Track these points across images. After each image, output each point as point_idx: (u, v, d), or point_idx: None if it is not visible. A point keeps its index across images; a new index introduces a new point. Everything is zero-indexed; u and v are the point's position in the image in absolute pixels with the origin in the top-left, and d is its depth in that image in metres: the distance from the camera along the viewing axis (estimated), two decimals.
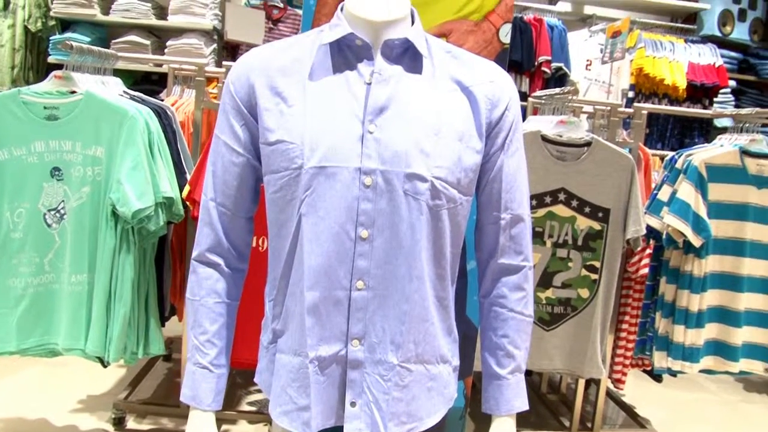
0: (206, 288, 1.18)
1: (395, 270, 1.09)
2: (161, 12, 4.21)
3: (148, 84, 4.16)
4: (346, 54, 1.12)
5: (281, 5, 4.16)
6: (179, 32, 4.09)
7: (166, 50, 4.04)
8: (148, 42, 4.06)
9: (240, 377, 3.03)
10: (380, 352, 1.11)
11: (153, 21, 4.11)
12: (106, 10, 4.12)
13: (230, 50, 4.22)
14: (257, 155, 1.15)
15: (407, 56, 1.13)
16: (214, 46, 4.17)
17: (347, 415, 1.11)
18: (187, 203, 2.16)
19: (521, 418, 1.29)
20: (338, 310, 1.09)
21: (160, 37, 4.23)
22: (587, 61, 4.54)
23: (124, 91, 2.24)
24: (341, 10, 1.15)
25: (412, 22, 1.15)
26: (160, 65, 3.97)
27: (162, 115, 2.14)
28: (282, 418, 1.13)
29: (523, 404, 1.21)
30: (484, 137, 1.15)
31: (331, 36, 1.11)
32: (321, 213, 1.07)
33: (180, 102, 2.68)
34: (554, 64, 4.37)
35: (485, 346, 1.24)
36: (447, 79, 1.15)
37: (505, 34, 1.53)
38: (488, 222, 1.21)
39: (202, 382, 1.16)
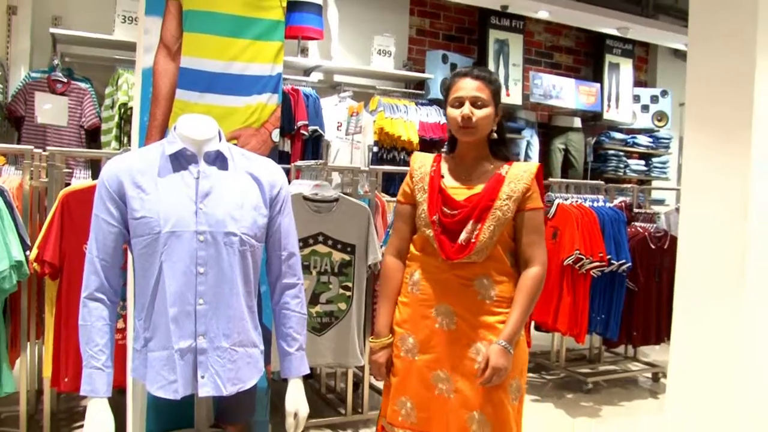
0: (95, 315, 1.86)
1: (222, 291, 1.88)
2: None
3: None
4: (180, 160, 1.91)
5: (64, 80, 4.63)
6: None
7: None
8: None
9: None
10: (217, 341, 1.88)
11: None
12: None
13: (14, 122, 4.58)
14: (126, 226, 1.88)
15: (219, 160, 1.95)
16: None
17: (199, 384, 1.87)
18: (34, 264, 2.70)
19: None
20: (189, 319, 1.86)
21: None
22: (338, 122, 5.49)
23: None
24: (174, 129, 1.92)
25: (220, 139, 1.95)
26: None
27: (2, 192, 2.69)
28: (159, 392, 1.86)
29: (306, 370, 2.07)
30: (269, 207, 1.98)
31: (170, 149, 1.90)
32: (174, 259, 1.84)
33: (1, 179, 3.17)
34: (311, 127, 5.16)
35: (279, 335, 2.07)
36: (244, 173, 1.97)
37: (276, 136, 2.40)
38: (275, 258, 2.05)
39: (97, 379, 1.82)
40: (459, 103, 2.10)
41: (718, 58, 3.11)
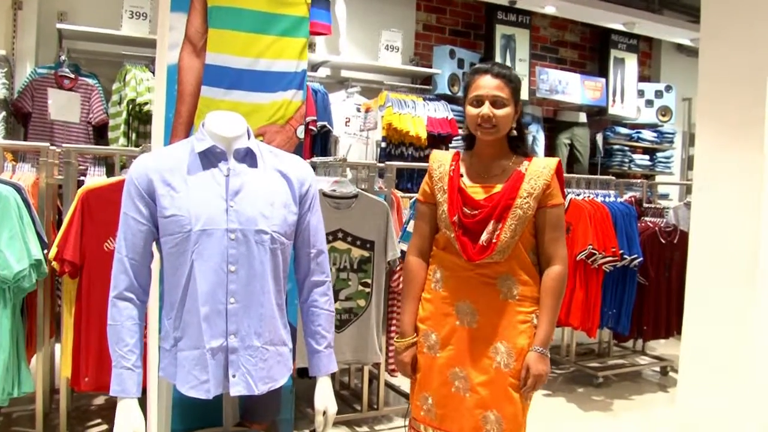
0: (125, 315, 1.83)
1: (253, 289, 1.86)
2: None
3: None
4: (210, 158, 1.88)
5: (72, 76, 4.60)
6: None
7: None
8: None
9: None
10: (248, 340, 1.86)
11: None
12: None
13: (21, 118, 4.55)
14: (155, 224, 1.86)
15: (248, 157, 1.92)
16: (3, 113, 4.48)
17: (231, 384, 1.85)
18: (54, 262, 2.68)
19: None
20: (220, 317, 1.84)
21: None
22: (346, 118, 5.47)
23: None
24: (203, 126, 1.89)
25: (248, 136, 1.93)
26: None
27: (20, 190, 2.66)
28: (190, 391, 1.84)
29: (334, 368, 2.05)
30: (298, 204, 1.96)
31: (200, 147, 1.87)
32: (205, 257, 1.82)
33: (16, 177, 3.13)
34: (319, 123, 5.14)
35: (307, 333, 2.05)
36: (272, 170, 1.95)
37: (300, 133, 2.38)
38: (303, 255, 2.02)
39: (128, 379, 1.80)
40: (478, 101, 2.07)
41: (730, 54, 3.09)
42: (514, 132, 2.15)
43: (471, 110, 2.09)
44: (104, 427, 3.35)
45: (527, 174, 2.09)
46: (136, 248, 1.86)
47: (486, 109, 2.04)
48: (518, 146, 2.17)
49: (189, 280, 1.83)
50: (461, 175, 2.15)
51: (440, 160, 2.20)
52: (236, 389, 1.86)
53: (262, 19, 2.31)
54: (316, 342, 2.03)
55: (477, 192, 2.11)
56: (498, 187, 2.10)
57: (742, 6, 3.05)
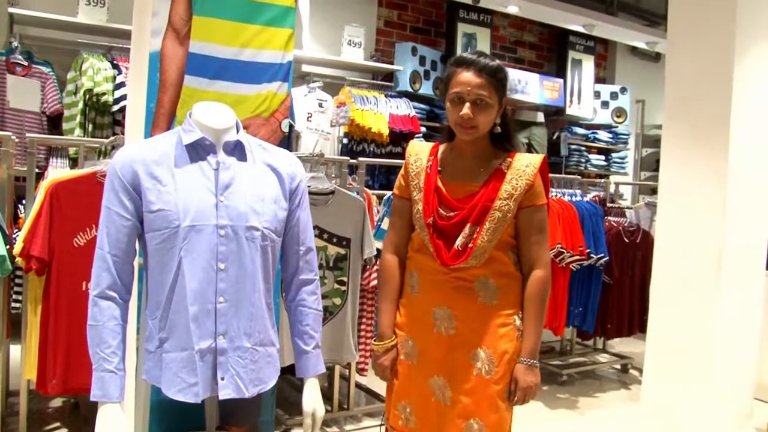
0: (107, 315, 1.71)
1: (243, 287, 1.78)
2: None
3: None
4: (198, 150, 1.79)
5: (25, 63, 4.39)
6: None
7: None
8: None
9: None
10: (237, 341, 1.78)
11: None
12: None
13: None
14: (140, 219, 1.75)
15: (237, 150, 1.84)
16: None
17: (220, 386, 1.76)
18: (19, 258, 2.53)
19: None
20: (209, 317, 1.75)
21: None
22: (308, 113, 5.38)
23: None
24: (190, 116, 1.80)
25: (237, 129, 1.84)
26: None
27: None
28: (178, 395, 1.74)
29: (322, 368, 1.98)
30: (288, 200, 1.88)
31: (188, 139, 1.78)
32: (194, 255, 1.73)
33: None
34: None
35: (295, 333, 1.97)
36: (262, 164, 1.87)
37: (285, 126, 2.30)
38: (292, 252, 1.95)
39: (110, 383, 1.67)
40: (459, 99, 1.92)
41: (696, 57, 3.14)
42: (498, 129, 2.00)
43: (450, 107, 1.96)
44: (64, 430, 3.20)
45: (509, 173, 1.96)
46: (120, 244, 1.75)
47: (466, 109, 1.90)
48: (501, 143, 2.04)
49: (177, 278, 1.74)
50: (439, 171, 2.03)
51: (417, 153, 2.08)
52: (225, 392, 1.77)
53: (247, 7, 2.22)
54: (304, 342, 1.96)
55: (455, 191, 1.99)
56: (477, 186, 1.98)
57: (708, 12, 3.10)
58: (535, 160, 2.00)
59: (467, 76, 1.92)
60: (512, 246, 2.02)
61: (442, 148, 2.09)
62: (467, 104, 1.90)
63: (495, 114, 1.97)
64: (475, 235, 1.94)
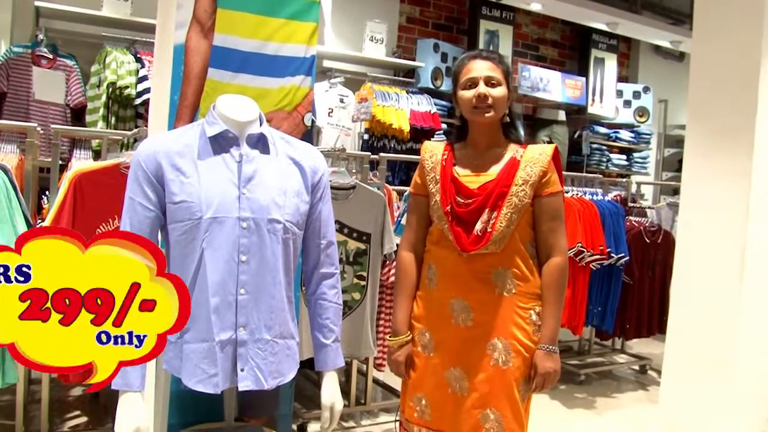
0: None
1: (264, 280, 1.78)
2: None
3: None
4: (221, 142, 1.80)
5: (50, 56, 4.43)
6: None
7: None
8: None
9: None
10: (258, 333, 1.78)
11: None
12: None
13: None
14: (163, 210, 1.76)
15: (260, 143, 1.84)
16: None
17: (239, 378, 1.77)
18: None
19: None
20: (230, 309, 1.75)
21: None
22: (329, 109, 5.38)
23: None
24: (213, 109, 1.80)
25: (260, 122, 1.85)
26: None
27: (7, 171, 2.53)
28: (198, 386, 1.75)
29: (341, 362, 1.98)
30: (310, 193, 1.88)
31: (211, 131, 1.78)
32: (216, 246, 1.73)
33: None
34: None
35: (314, 327, 1.97)
36: (285, 157, 1.87)
37: (308, 120, 2.30)
38: (313, 246, 1.95)
39: (132, 372, 1.69)
40: (472, 83, 1.99)
41: (721, 57, 3.09)
42: (507, 119, 2.07)
43: (465, 94, 2.00)
44: (84, 419, 3.23)
45: (522, 161, 2.00)
46: (142, 235, 1.76)
47: (482, 88, 1.97)
48: (512, 133, 2.10)
49: (198, 269, 1.75)
50: (454, 164, 2.07)
51: (432, 150, 2.12)
52: (245, 384, 1.78)
53: (271, 0, 2.23)
54: (324, 336, 1.96)
55: (471, 181, 2.03)
56: (492, 175, 2.01)
57: (735, 10, 3.05)
58: (548, 148, 2.05)
59: (476, 62, 2.02)
60: (530, 237, 2.04)
61: (455, 145, 2.13)
62: (481, 83, 1.98)
63: (506, 96, 2.02)
64: (493, 221, 1.97)
